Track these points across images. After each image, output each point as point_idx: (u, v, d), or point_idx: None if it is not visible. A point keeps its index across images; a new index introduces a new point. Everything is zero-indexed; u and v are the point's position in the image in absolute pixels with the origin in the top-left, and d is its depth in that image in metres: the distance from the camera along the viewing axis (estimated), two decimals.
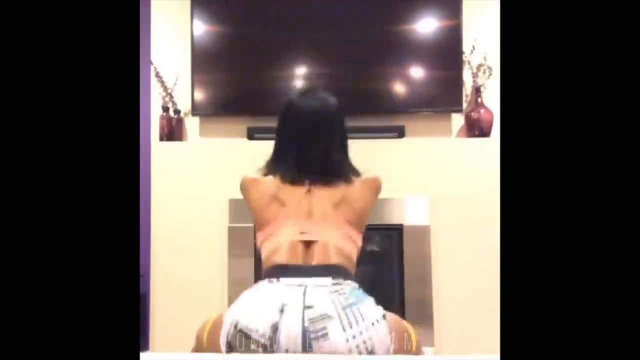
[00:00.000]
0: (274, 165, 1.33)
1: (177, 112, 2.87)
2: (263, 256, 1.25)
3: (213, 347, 1.12)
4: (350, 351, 1.02)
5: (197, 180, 2.73)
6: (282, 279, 1.13)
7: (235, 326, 1.07)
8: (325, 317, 1.04)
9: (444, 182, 2.69)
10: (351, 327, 1.04)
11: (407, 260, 2.62)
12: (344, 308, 1.06)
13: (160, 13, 2.95)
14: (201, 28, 2.83)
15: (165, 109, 2.84)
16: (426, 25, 2.82)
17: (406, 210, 2.66)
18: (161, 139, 2.83)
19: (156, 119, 2.88)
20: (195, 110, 2.85)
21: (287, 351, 1.02)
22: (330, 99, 1.37)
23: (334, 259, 1.18)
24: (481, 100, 2.81)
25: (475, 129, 2.77)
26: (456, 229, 2.67)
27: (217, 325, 1.14)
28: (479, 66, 2.83)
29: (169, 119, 2.83)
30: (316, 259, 1.18)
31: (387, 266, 2.67)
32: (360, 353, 1.02)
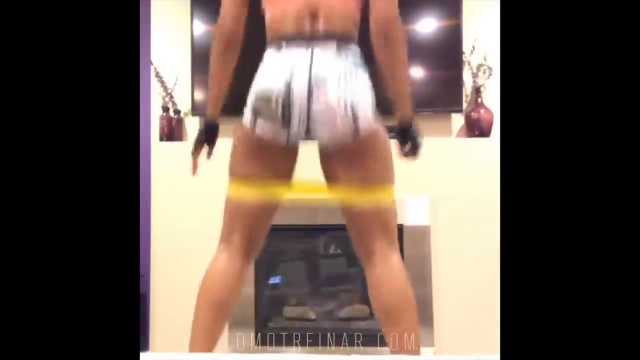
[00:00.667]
0: None
1: (177, 112, 2.88)
2: (267, 20, 1.30)
3: (242, 134, 1.30)
4: (337, 102, 1.17)
5: (197, 180, 2.73)
6: (290, 46, 1.23)
7: (256, 94, 1.23)
8: (325, 73, 1.19)
9: (444, 182, 2.69)
10: (344, 87, 1.19)
11: (407, 260, 2.62)
12: (341, 68, 1.20)
13: (160, 13, 2.95)
14: (201, 28, 2.83)
15: (165, 109, 2.84)
16: (426, 25, 2.82)
17: (406, 210, 2.66)
18: (161, 139, 2.83)
19: (156, 119, 2.88)
20: (195, 110, 2.85)
21: (299, 98, 1.17)
22: None
23: (339, 24, 1.24)
24: (481, 100, 2.81)
25: (475, 129, 2.77)
26: (456, 229, 2.67)
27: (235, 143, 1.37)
28: (479, 66, 2.83)
29: (169, 119, 2.83)
30: (322, 24, 1.23)
31: None
32: (345, 108, 1.18)
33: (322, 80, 1.18)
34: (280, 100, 1.20)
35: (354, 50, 1.28)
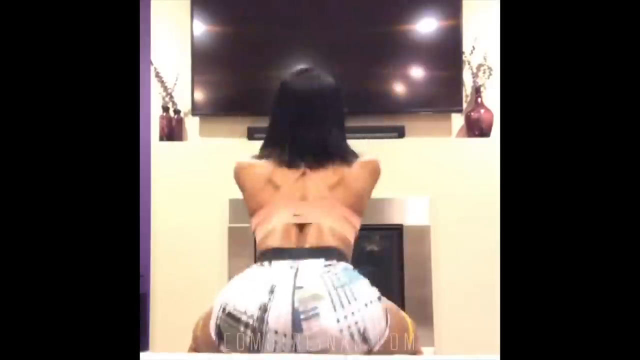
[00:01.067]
0: (267, 149, 1.28)
1: (177, 112, 2.87)
2: (257, 240, 1.20)
3: (205, 338, 1.08)
4: (341, 331, 0.98)
5: (197, 180, 2.73)
6: (273, 262, 1.09)
7: (224, 309, 1.03)
8: (316, 297, 1.00)
9: (444, 182, 2.69)
10: (343, 307, 0.99)
11: (407, 261, 2.62)
12: (335, 288, 1.01)
13: (160, 13, 2.95)
14: (201, 28, 2.83)
15: (165, 109, 2.84)
16: (426, 25, 2.81)
17: (406, 210, 2.66)
18: (161, 139, 2.83)
19: (156, 119, 2.88)
20: (195, 110, 2.85)
21: (276, 332, 0.98)
22: (327, 78, 1.31)
23: (328, 241, 1.13)
24: (481, 100, 2.81)
25: (475, 129, 2.77)
26: (456, 229, 2.66)
27: (208, 315, 1.10)
28: (479, 66, 2.83)
29: (169, 119, 2.83)
30: (309, 241, 1.13)
31: (387, 266, 2.67)
32: (352, 334, 0.98)
33: (312, 309, 0.99)
34: (249, 330, 1.01)
35: (345, 255, 1.16)
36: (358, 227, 1.21)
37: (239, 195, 1.36)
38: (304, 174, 1.21)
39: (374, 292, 1.08)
